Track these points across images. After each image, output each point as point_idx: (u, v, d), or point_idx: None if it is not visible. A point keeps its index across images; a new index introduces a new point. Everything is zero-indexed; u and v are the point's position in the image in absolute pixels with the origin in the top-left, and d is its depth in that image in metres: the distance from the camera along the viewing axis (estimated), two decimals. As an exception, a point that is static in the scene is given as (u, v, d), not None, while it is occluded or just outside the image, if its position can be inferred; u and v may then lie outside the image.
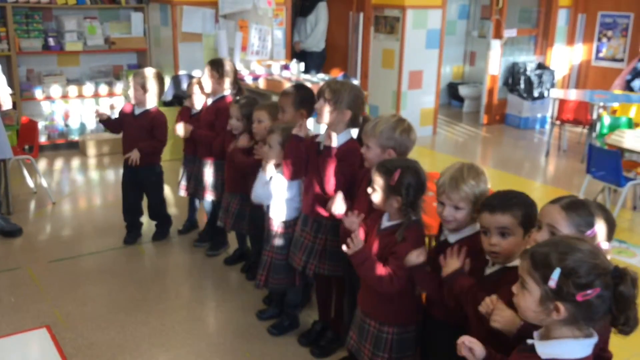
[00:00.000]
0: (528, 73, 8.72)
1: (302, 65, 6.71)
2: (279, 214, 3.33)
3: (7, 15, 6.46)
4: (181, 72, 6.75)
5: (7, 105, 5.09)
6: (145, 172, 4.46)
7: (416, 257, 2.42)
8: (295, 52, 8.19)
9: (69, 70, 7.18)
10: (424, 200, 2.58)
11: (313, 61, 8.22)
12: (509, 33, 8.74)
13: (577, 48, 9.43)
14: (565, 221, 1.93)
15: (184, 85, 6.41)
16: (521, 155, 7.63)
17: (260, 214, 3.55)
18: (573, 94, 7.65)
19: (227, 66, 4.29)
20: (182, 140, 4.62)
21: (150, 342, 3.42)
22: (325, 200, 3.05)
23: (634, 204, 5.81)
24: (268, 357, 3.32)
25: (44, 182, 5.55)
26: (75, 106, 7.14)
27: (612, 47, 9.05)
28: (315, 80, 5.85)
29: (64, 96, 6.97)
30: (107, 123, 4.51)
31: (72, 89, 6.98)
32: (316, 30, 8.38)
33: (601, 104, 6.89)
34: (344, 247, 2.53)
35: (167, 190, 5.18)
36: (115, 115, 4.67)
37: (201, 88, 4.41)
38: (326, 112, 3.01)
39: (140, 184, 4.54)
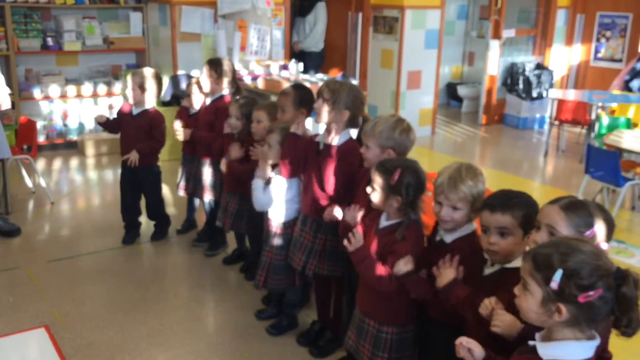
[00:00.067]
0: (527, 73, 8.73)
1: (301, 65, 6.70)
2: (278, 215, 3.33)
3: (5, 15, 6.45)
4: (180, 72, 6.75)
5: (6, 105, 5.10)
6: (144, 172, 4.46)
7: (404, 265, 2.39)
8: (294, 52, 8.19)
9: (67, 70, 7.17)
10: (423, 200, 2.58)
11: (312, 61, 8.22)
12: (508, 33, 8.75)
13: (576, 48, 9.44)
14: (564, 222, 1.93)
15: (183, 85, 6.41)
16: (520, 155, 7.63)
17: (259, 214, 3.54)
18: (572, 94, 7.66)
19: (226, 66, 4.29)
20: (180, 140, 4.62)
21: (149, 341, 3.41)
22: (324, 199, 3.05)
23: (632, 204, 5.81)
24: (267, 356, 3.32)
25: (42, 182, 5.55)
26: (73, 106, 7.13)
27: (610, 47, 9.06)
28: (314, 81, 5.84)
29: (63, 96, 6.97)
30: (105, 125, 4.51)
31: (71, 89, 6.98)
32: (315, 31, 8.38)
33: (600, 104, 6.90)
34: (345, 242, 2.52)
35: (166, 190, 5.18)
36: (114, 115, 4.66)
37: (200, 88, 4.41)
38: (324, 111, 3.01)
39: (139, 184, 4.53)
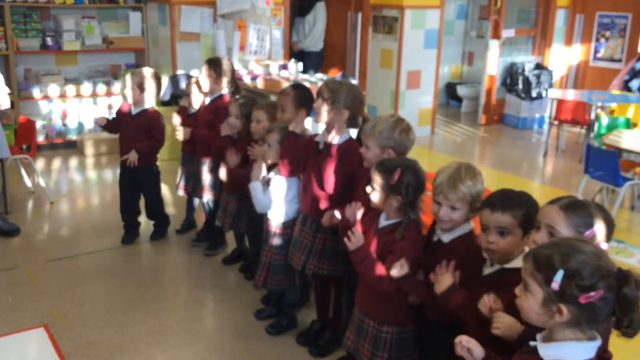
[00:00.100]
0: (526, 73, 8.73)
1: (301, 65, 6.70)
2: (277, 215, 3.33)
3: (5, 15, 6.45)
4: (179, 72, 6.75)
5: (5, 104, 5.09)
6: (143, 172, 4.45)
7: (400, 269, 2.39)
8: (294, 52, 8.18)
9: (66, 69, 7.16)
10: (423, 200, 2.57)
11: (311, 61, 8.21)
12: (507, 33, 8.75)
13: (575, 48, 9.44)
14: (563, 222, 1.93)
15: (182, 85, 6.41)
16: (519, 155, 7.63)
17: (258, 214, 3.54)
18: (571, 94, 7.66)
19: (225, 65, 4.29)
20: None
21: (148, 341, 3.41)
22: (324, 199, 3.05)
23: (631, 204, 5.81)
24: (266, 356, 3.31)
25: (41, 182, 5.54)
26: (73, 106, 7.13)
27: (610, 47, 9.07)
28: (314, 80, 5.84)
29: (62, 96, 6.96)
30: (106, 127, 4.50)
31: (70, 89, 6.97)
32: (314, 30, 8.38)
33: (599, 104, 6.90)
34: (345, 240, 2.52)
35: (165, 190, 5.18)
36: (113, 115, 4.66)
37: (199, 87, 4.40)
38: (324, 111, 3.01)
39: (138, 184, 4.53)
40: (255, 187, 3.31)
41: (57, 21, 6.88)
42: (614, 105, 6.97)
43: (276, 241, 3.33)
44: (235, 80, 4.43)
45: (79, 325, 3.53)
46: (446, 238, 2.42)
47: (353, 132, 3.11)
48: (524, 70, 8.74)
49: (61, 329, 3.48)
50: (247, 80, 6.14)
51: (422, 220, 2.59)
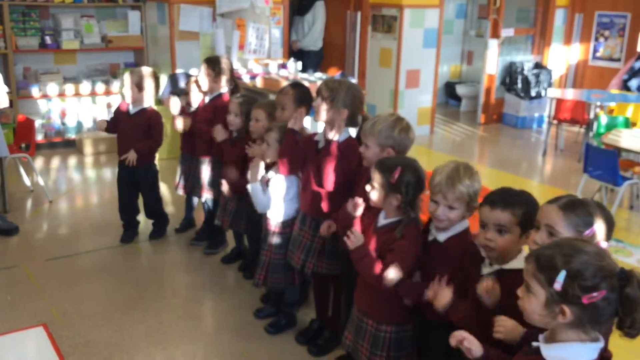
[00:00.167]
0: (525, 72, 8.73)
1: (300, 64, 6.69)
2: (277, 214, 3.32)
3: (3, 13, 6.44)
4: (178, 71, 6.74)
5: (4, 103, 5.08)
6: (141, 171, 4.45)
7: (393, 274, 2.39)
8: (293, 51, 8.18)
9: (65, 68, 7.16)
10: (422, 199, 2.57)
11: (310, 60, 8.21)
12: (507, 32, 8.74)
13: (575, 48, 9.44)
14: (563, 221, 1.92)
15: (182, 84, 6.40)
16: (518, 154, 7.64)
17: (257, 213, 3.54)
18: (570, 94, 7.66)
19: (223, 64, 4.28)
20: (179, 139, 4.61)
21: (147, 340, 3.41)
22: (323, 197, 3.05)
23: (630, 203, 5.82)
24: (265, 355, 3.31)
25: (40, 181, 5.53)
26: (72, 104, 7.12)
27: (609, 46, 9.07)
28: (313, 79, 5.83)
29: (61, 94, 6.95)
30: (107, 129, 4.48)
31: (69, 87, 6.96)
32: (314, 29, 8.37)
33: (598, 103, 6.90)
34: (345, 239, 2.52)
35: (165, 189, 5.17)
36: (111, 114, 4.65)
37: (198, 86, 4.40)
38: (323, 110, 3.01)
39: (136, 184, 4.52)
40: (254, 188, 3.30)
41: (56, 20, 6.87)
42: (613, 104, 6.97)
43: (275, 240, 3.33)
44: (234, 79, 4.43)
45: (78, 324, 3.53)
46: (442, 237, 2.42)
47: (352, 131, 3.11)
48: (523, 69, 8.75)
49: (60, 327, 3.48)
50: (246, 79, 6.13)
51: (421, 219, 2.59)
